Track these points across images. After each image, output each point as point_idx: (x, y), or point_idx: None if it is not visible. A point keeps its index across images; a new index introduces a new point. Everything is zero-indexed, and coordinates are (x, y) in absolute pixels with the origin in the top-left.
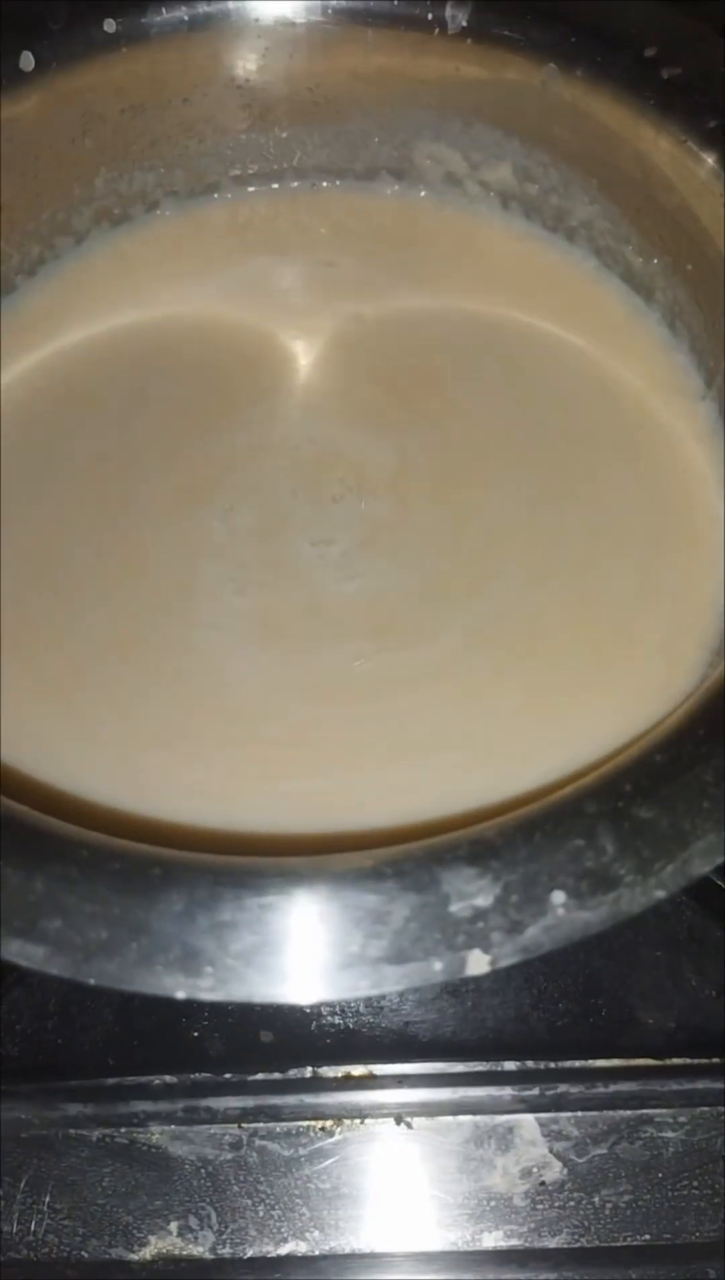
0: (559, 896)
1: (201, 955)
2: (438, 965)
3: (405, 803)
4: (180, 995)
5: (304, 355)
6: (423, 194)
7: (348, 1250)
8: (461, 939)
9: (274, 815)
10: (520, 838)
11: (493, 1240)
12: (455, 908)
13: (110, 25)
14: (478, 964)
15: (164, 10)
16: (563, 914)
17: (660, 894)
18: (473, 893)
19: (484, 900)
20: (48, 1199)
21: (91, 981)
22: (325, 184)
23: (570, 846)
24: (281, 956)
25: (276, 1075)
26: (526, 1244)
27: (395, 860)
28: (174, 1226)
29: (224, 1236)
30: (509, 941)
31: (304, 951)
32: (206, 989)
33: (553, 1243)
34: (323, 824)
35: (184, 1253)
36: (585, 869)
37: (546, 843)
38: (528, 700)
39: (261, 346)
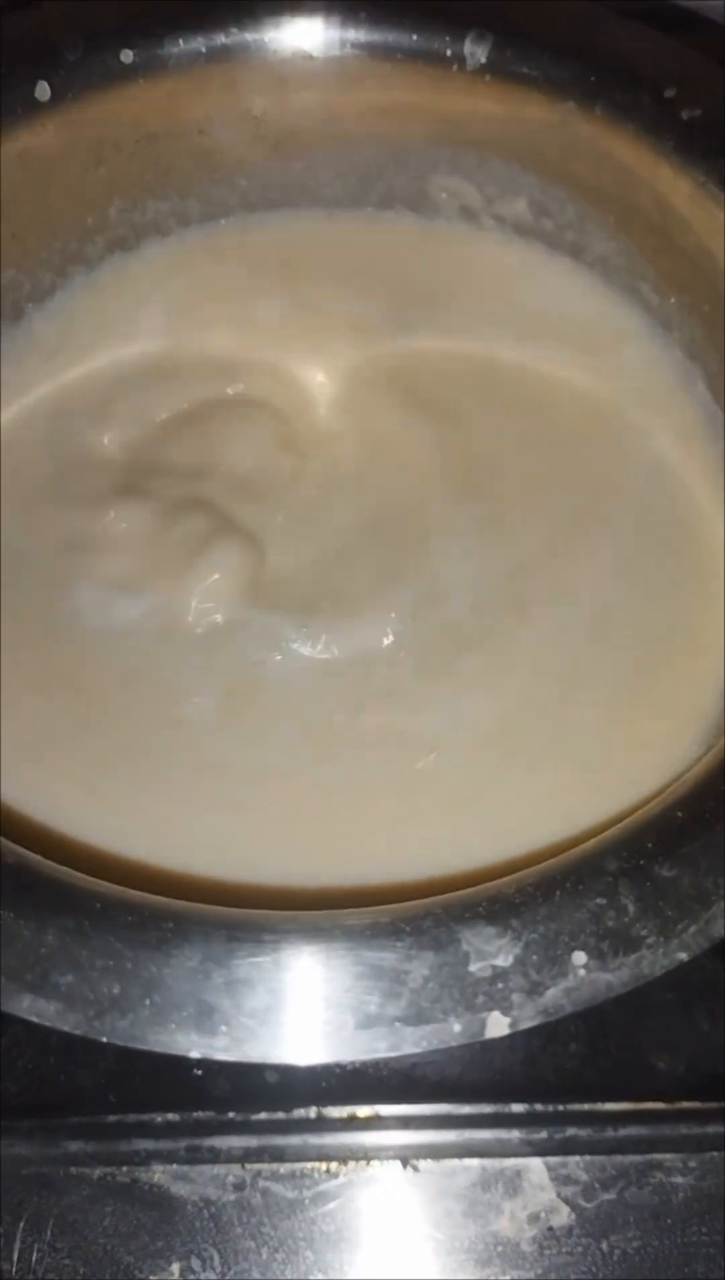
0: (580, 957)
1: (216, 1014)
2: (457, 1027)
3: (418, 858)
4: (194, 1055)
5: (318, 388)
6: (437, 228)
7: None
8: (481, 1000)
9: (284, 867)
10: (540, 896)
11: None
12: (474, 967)
13: (127, 56)
14: (497, 1026)
15: (181, 42)
16: (584, 975)
17: (683, 956)
18: (492, 952)
19: (504, 960)
20: (48, 1237)
21: (104, 1039)
22: (339, 215)
23: (591, 906)
24: (297, 1016)
25: (281, 1115)
26: None
27: (413, 917)
28: (176, 1268)
29: (227, 1279)
30: (529, 1003)
31: (320, 1011)
32: (221, 1049)
33: None
34: (333, 878)
35: None
36: (607, 929)
37: (567, 901)
38: (544, 754)
39: (274, 378)
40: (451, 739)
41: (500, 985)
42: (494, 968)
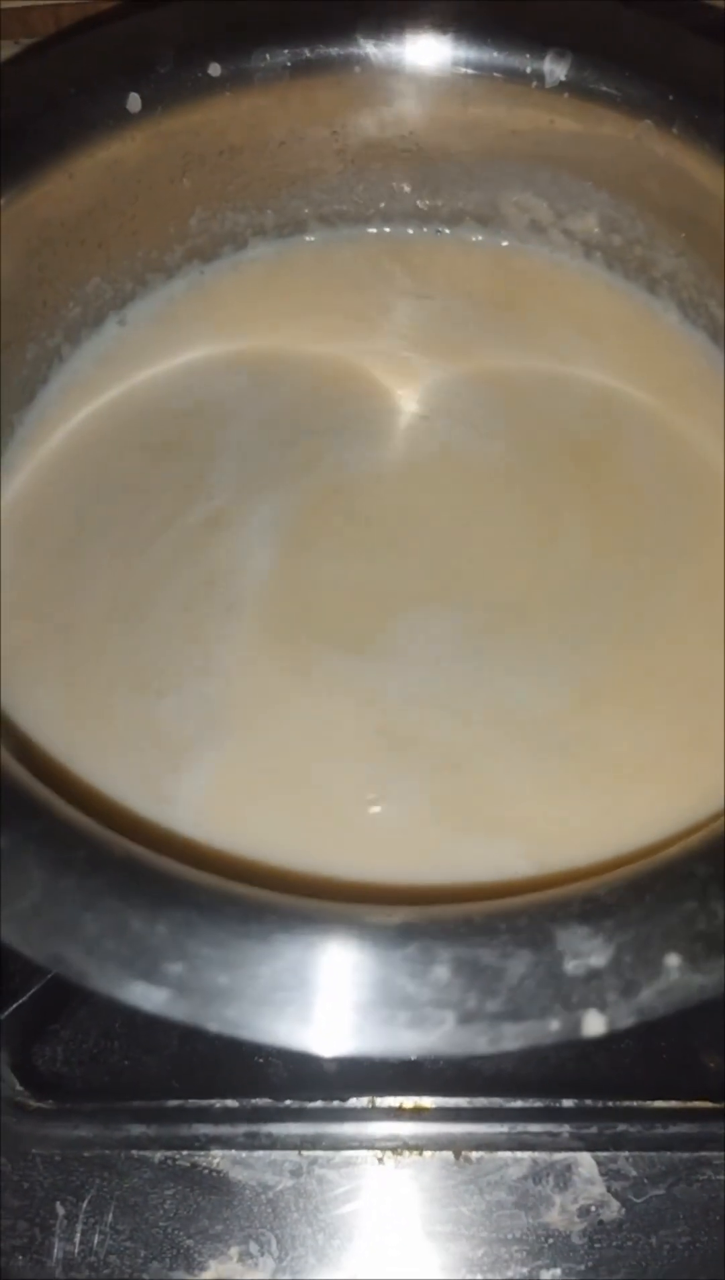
0: (674, 959)
1: (319, 1006)
2: (554, 1025)
3: (494, 859)
4: (297, 1047)
5: (390, 405)
6: (506, 242)
7: None
8: (577, 999)
9: (364, 862)
10: (631, 898)
11: (550, 1278)
12: (570, 966)
13: (215, 69)
14: (594, 1025)
15: (267, 56)
16: (677, 977)
17: None
18: (587, 952)
19: (598, 960)
20: (110, 1219)
21: (212, 1027)
22: (410, 229)
23: (682, 909)
24: (398, 1010)
25: (337, 1104)
26: None
27: (507, 915)
28: (234, 1252)
29: (284, 1264)
30: (624, 1003)
31: (422, 1007)
32: (324, 1042)
33: None
34: (405, 875)
35: (244, 1279)
36: (698, 931)
37: (658, 904)
38: (622, 759)
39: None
40: (523, 742)
41: (596, 984)
42: (589, 967)
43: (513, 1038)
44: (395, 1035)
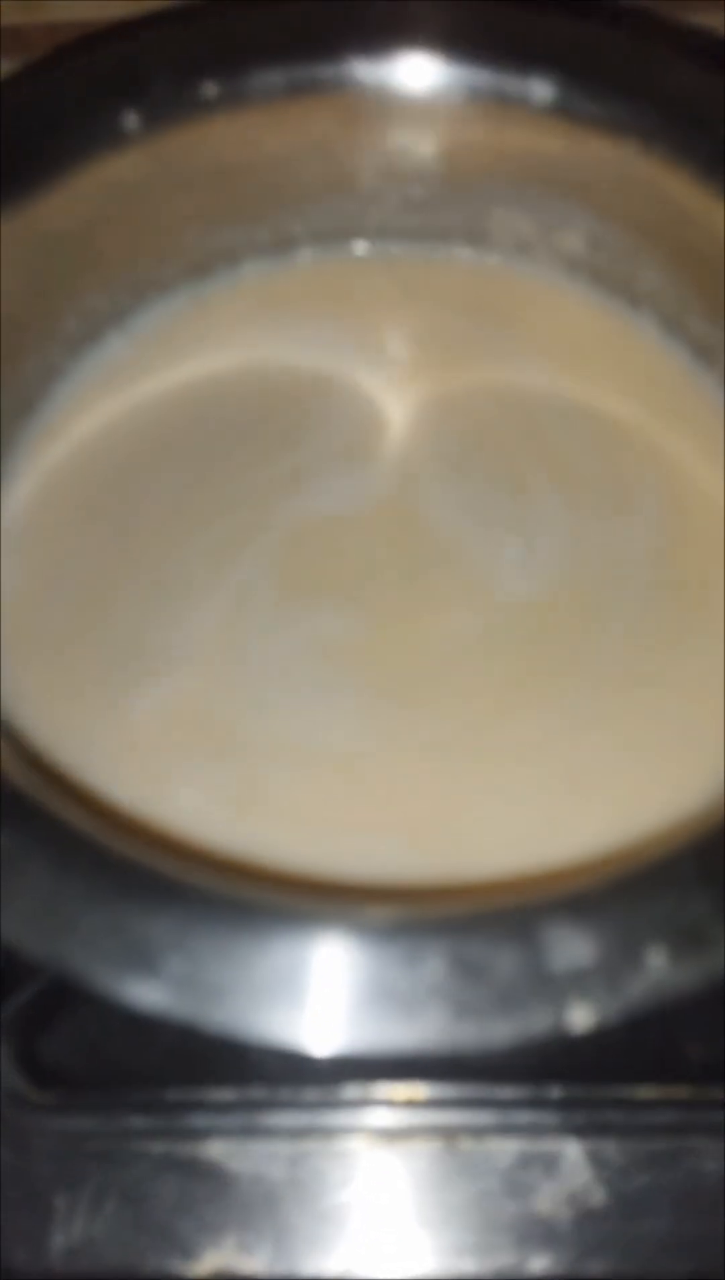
0: (658, 953)
1: (315, 1004)
2: (543, 1020)
3: (481, 854)
4: (296, 1047)
5: (374, 422)
6: (493, 259)
7: (403, 1275)
8: (565, 994)
9: (356, 861)
10: (617, 893)
11: (539, 1266)
12: (556, 962)
13: (211, 89)
14: (581, 1019)
15: (262, 76)
16: (662, 972)
17: None
18: (573, 947)
19: (585, 955)
20: (110, 1210)
21: (212, 1026)
22: (400, 247)
23: (669, 903)
24: (393, 1007)
25: (330, 1093)
26: (573, 1271)
27: (491, 910)
28: (231, 1242)
29: (280, 1253)
30: (611, 997)
31: (416, 1003)
32: (320, 1041)
33: (598, 1270)
34: (390, 874)
35: (240, 1268)
36: (682, 926)
37: (645, 899)
38: (616, 755)
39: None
40: (520, 740)
41: (582, 980)
42: (575, 963)
43: (503, 1034)
44: (388, 1031)
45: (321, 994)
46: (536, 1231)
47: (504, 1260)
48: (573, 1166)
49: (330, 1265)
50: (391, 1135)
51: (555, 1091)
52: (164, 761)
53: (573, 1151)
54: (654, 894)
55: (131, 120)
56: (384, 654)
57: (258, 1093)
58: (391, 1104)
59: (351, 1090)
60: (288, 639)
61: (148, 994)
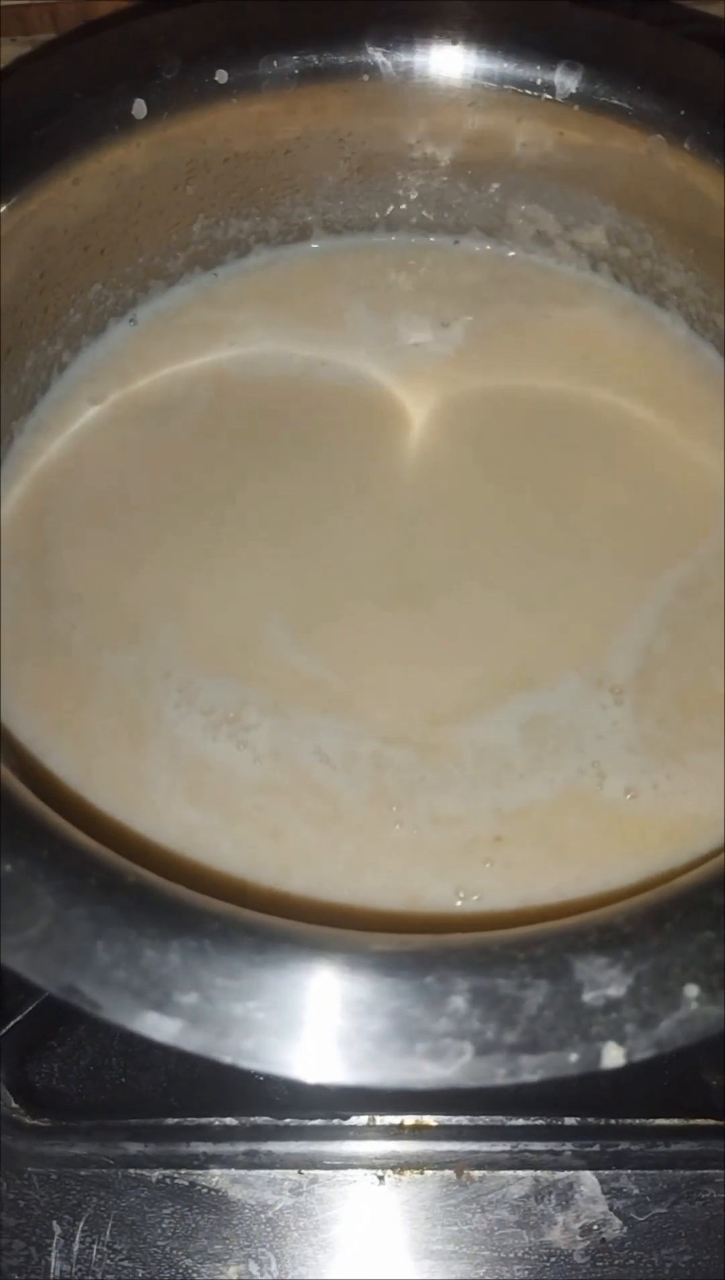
0: (692, 990)
1: (337, 1038)
2: (573, 1056)
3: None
4: (312, 1080)
5: (389, 417)
6: (512, 253)
7: None
8: (596, 1030)
9: (366, 890)
10: (650, 927)
11: None
12: (588, 997)
13: (222, 76)
14: (613, 1057)
15: (275, 63)
16: (696, 1007)
17: None
18: (605, 982)
19: (617, 991)
20: (107, 1237)
21: (228, 1060)
22: (415, 239)
23: (700, 938)
24: (416, 1042)
25: (337, 1121)
26: None
27: (523, 944)
28: (233, 1271)
29: None
30: (643, 1034)
31: (440, 1038)
32: (341, 1073)
33: None
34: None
35: None
36: (716, 962)
37: (677, 934)
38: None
39: (351, 393)
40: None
41: (614, 1016)
42: (607, 998)
43: (531, 1070)
44: (413, 1067)
45: (342, 1028)
46: (550, 1264)
47: None
48: (588, 1197)
49: None
50: (399, 1164)
51: (570, 1121)
52: (171, 780)
53: (588, 1182)
54: (689, 928)
55: (140, 107)
56: None
57: (261, 1120)
58: (399, 1133)
59: (358, 1118)
60: (290, 638)
61: (162, 1026)
